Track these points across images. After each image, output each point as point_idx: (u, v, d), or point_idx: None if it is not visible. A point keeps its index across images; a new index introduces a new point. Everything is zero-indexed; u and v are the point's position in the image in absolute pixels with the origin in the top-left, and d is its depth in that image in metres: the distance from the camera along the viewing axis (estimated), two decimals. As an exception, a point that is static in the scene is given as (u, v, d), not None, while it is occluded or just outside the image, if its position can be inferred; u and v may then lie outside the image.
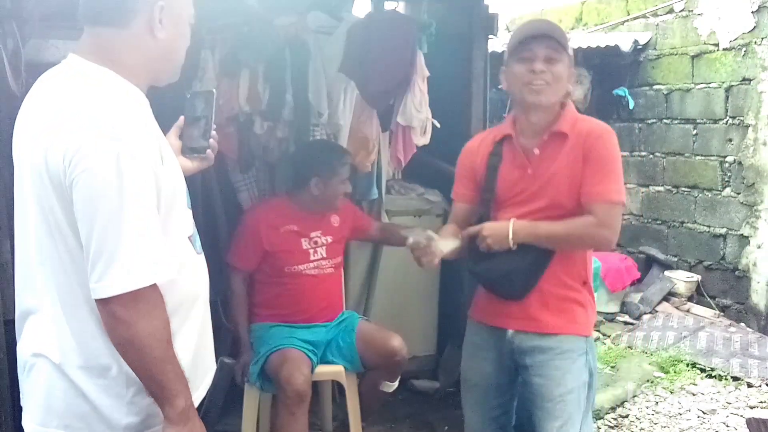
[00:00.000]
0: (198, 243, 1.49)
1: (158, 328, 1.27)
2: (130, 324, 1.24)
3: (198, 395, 1.47)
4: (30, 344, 1.37)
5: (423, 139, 3.16)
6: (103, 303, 1.24)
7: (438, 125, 3.13)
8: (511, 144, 2.03)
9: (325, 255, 2.82)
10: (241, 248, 2.77)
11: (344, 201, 2.91)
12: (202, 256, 1.51)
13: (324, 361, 2.78)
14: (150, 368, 1.27)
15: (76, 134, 1.23)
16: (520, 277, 1.98)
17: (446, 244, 2.01)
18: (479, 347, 2.12)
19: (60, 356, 1.32)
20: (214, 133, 1.61)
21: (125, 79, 1.34)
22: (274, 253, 2.75)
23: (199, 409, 1.43)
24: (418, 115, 3.06)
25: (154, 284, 1.26)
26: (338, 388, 3.14)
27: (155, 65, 1.39)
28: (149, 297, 1.25)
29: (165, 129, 1.61)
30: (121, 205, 1.22)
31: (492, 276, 2.02)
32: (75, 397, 1.32)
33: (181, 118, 1.63)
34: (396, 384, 2.89)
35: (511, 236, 1.91)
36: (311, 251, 2.80)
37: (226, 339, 3.36)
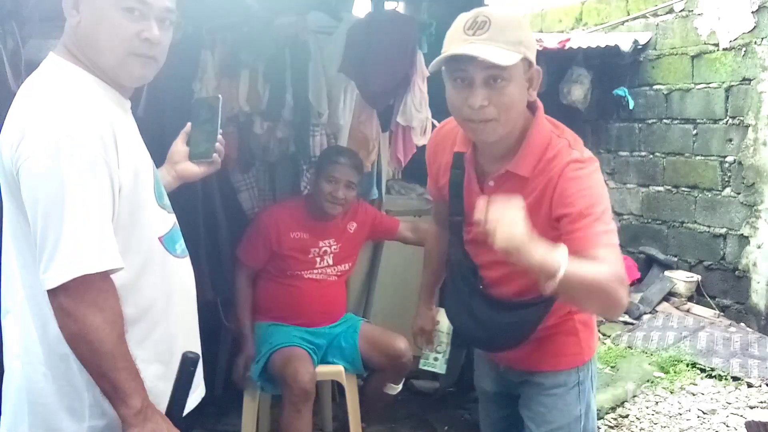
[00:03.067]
0: (177, 245, 1.44)
1: (108, 321, 1.21)
2: (77, 316, 1.19)
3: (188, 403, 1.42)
4: (6, 346, 1.34)
5: (423, 139, 3.15)
6: (52, 295, 1.20)
7: (438, 125, 3.13)
8: (470, 160, 1.65)
9: (331, 263, 2.82)
10: (252, 245, 2.77)
11: (362, 206, 2.94)
12: (184, 260, 1.46)
13: (324, 362, 2.79)
14: (101, 364, 1.22)
15: (22, 125, 1.23)
16: (508, 340, 1.71)
17: (444, 316, 2.05)
18: (481, 363, 1.98)
19: (26, 358, 1.29)
20: (220, 137, 1.61)
21: (87, 72, 1.34)
22: (281, 255, 2.75)
23: (189, 416, 1.39)
24: (418, 115, 3.06)
25: (104, 274, 1.22)
26: (338, 389, 3.14)
27: (90, 55, 1.34)
28: (98, 287, 1.21)
29: (175, 134, 1.65)
30: (63, 193, 1.19)
31: (471, 332, 1.76)
32: (39, 400, 1.29)
33: (188, 124, 1.63)
34: (400, 386, 2.90)
35: (560, 275, 1.31)
36: (318, 259, 2.80)
37: (227, 339, 3.37)
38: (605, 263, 1.37)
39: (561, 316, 1.74)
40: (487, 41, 1.41)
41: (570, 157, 1.51)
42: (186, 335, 1.45)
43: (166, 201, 1.44)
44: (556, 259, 1.31)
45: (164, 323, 1.39)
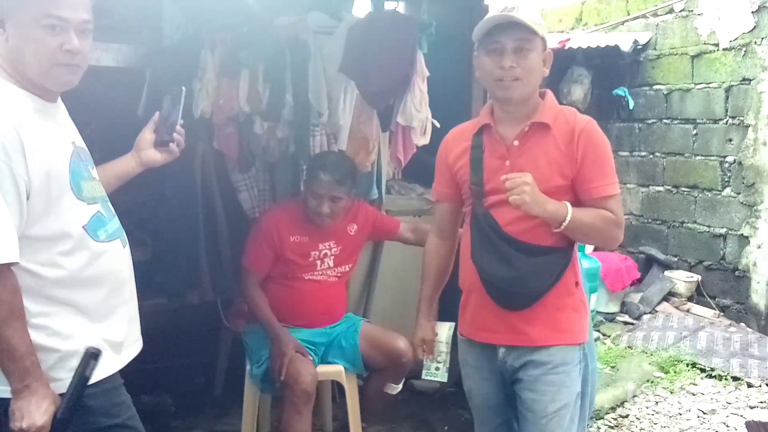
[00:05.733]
0: (100, 231, 1.59)
1: None
2: None
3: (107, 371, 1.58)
4: None
5: (423, 139, 3.15)
6: None
7: (438, 125, 3.13)
8: (490, 133, 1.91)
9: (331, 264, 2.81)
10: (257, 252, 2.75)
11: (363, 207, 2.93)
12: (112, 243, 1.62)
13: (324, 362, 2.78)
14: None
15: None
16: (538, 282, 1.84)
17: (442, 328, 2.16)
18: (474, 367, 2.02)
19: None
20: (179, 128, 1.78)
21: (11, 82, 1.49)
22: (282, 259, 2.74)
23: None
24: (418, 115, 3.06)
25: (4, 267, 1.39)
26: (338, 388, 3.14)
27: (18, 67, 1.50)
28: None
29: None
30: None
31: (503, 275, 1.85)
32: None
33: (156, 113, 1.79)
34: (400, 386, 2.90)
35: (567, 221, 1.77)
36: (318, 262, 2.79)
37: (226, 339, 3.37)
38: (607, 209, 1.82)
39: (569, 288, 1.89)
40: (517, 20, 1.78)
41: (586, 117, 1.90)
42: (113, 312, 1.62)
43: (88, 194, 1.59)
44: (563, 210, 1.76)
45: (89, 297, 1.57)
